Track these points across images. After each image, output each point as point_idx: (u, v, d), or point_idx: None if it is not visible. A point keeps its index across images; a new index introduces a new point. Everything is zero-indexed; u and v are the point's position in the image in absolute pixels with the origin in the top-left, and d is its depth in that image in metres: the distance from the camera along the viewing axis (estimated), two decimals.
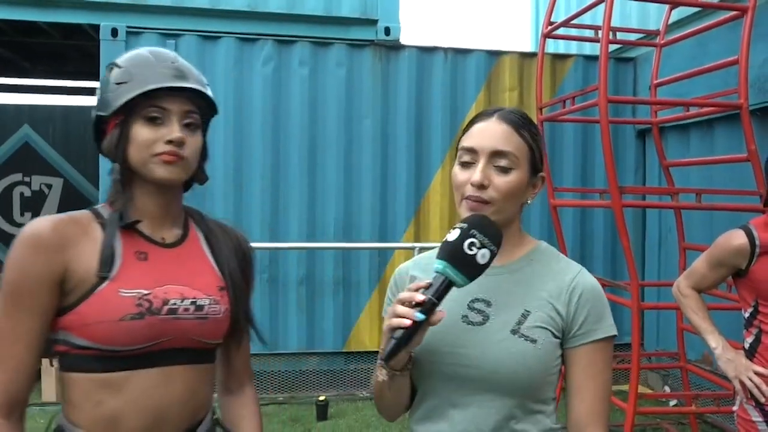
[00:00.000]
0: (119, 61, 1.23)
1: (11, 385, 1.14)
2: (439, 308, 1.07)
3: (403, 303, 1.05)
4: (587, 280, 1.19)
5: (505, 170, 1.15)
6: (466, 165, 1.17)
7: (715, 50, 4.19)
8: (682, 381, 4.19)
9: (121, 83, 1.18)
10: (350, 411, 4.73)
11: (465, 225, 1.08)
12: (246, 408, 1.39)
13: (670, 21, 4.48)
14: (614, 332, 1.18)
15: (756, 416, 2.02)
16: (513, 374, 1.12)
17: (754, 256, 2.04)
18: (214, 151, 4.83)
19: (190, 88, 1.20)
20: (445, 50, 5.31)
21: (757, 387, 1.99)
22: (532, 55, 5.57)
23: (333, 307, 5.13)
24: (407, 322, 1.03)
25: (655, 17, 5.00)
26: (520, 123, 1.18)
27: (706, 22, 3.92)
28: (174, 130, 1.18)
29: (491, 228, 1.08)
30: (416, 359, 1.18)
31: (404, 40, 5.29)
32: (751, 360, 2.07)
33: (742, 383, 2.03)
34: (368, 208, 5.19)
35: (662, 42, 4.27)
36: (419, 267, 1.29)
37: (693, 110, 3.96)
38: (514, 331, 1.14)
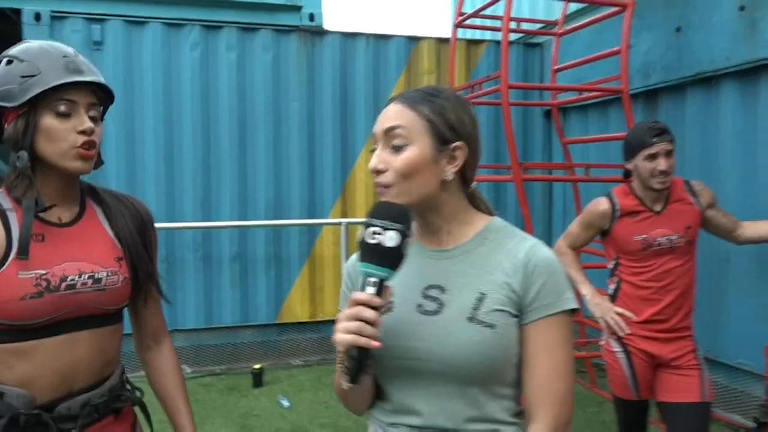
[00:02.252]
0: (17, 53, 1.27)
1: None
2: (391, 301, 1.10)
3: (368, 322, 0.99)
4: (540, 253, 1.12)
5: (398, 148, 1.10)
6: (373, 153, 1.15)
7: (609, 38, 4.67)
8: (579, 334, 4.74)
9: (27, 76, 1.23)
10: (284, 378, 5.03)
11: (401, 226, 1.02)
12: (166, 363, 1.51)
13: (569, 11, 4.95)
14: (570, 306, 1.11)
15: (616, 347, 2.48)
16: (474, 364, 1.08)
17: (615, 218, 2.48)
18: (146, 135, 5.01)
19: (92, 81, 1.29)
20: (367, 36, 5.60)
21: (617, 324, 2.44)
22: (448, 40, 5.93)
23: (265, 282, 5.39)
24: (375, 344, 0.99)
25: (560, 6, 5.46)
26: (418, 98, 1.13)
27: (600, 14, 4.39)
28: (84, 121, 1.26)
29: (390, 209, 1.03)
30: (375, 356, 1.11)
31: (328, 26, 5.55)
32: (613, 303, 2.52)
33: (606, 322, 2.48)
34: (296, 187, 5.45)
35: (560, 31, 4.73)
36: None
37: (586, 93, 4.43)
38: (470, 318, 1.08)
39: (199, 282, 5.20)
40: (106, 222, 1.39)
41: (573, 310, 1.12)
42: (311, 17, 5.45)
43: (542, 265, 1.11)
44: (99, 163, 1.37)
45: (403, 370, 1.12)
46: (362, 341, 0.98)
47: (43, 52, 1.27)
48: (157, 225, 1.53)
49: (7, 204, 1.28)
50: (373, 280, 1.01)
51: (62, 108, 1.25)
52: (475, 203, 1.22)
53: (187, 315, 5.18)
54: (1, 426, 1.23)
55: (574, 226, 2.64)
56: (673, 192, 2.48)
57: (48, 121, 1.25)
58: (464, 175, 1.16)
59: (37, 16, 4.78)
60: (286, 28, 5.40)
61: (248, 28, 5.30)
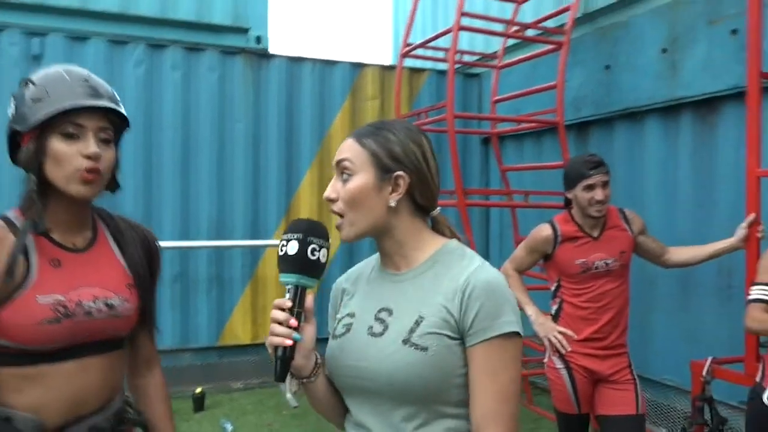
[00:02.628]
0: (34, 78, 1.29)
1: None
2: (348, 323, 1.21)
3: (278, 322, 1.10)
4: (481, 276, 1.14)
5: (345, 179, 1.19)
6: None
7: (544, 72, 4.97)
8: None
9: (37, 100, 1.24)
10: (226, 401, 4.97)
11: (299, 235, 1.11)
12: (156, 391, 1.52)
13: (508, 44, 5.23)
14: (508, 329, 1.11)
15: (559, 364, 2.64)
16: (407, 385, 1.12)
17: (557, 243, 2.66)
18: None
19: (104, 106, 1.28)
20: (313, 61, 5.70)
21: (560, 342, 2.60)
22: (392, 67, 6.13)
23: (207, 303, 5.33)
24: (288, 342, 1.08)
25: (498, 39, 5.74)
26: (365, 132, 1.22)
27: (536, 49, 4.68)
28: (90, 145, 1.25)
29: (296, 223, 1.14)
30: (330, 371, 1.22)
31: (274, 50, 5.61)
32: (556, 323, 2.69)
33: (549, 340, 2.64)
34: (240, 207, 5.44)
35: (500, 65, 5.00)
36: (350, 280, 1.32)
37: (524, 124, 4.69)
38: (405, 341, 1.13)
39: None
40: (117, 248, 1.40)
41: (515, 333, 1.12)
42: (258, 40, 5.52)
43: (480, 288, 1.12)
44: (114, 186, 1.39)
45: (354, 388, 1.19)
46: (276, 340, 1.09)
47: (57, 76, 1.28)
48: None
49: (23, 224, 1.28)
50: (288, 287, 1.12)
51: (69, 130, 1.25)
52: (439, 227, 1.27)
53: None
54: None
55: (520, 251, 2.80)
56: (609, 219, 2.69)
57: (55, 144, 1.25)
58: (416, 202, 1.21)
59: None
60: (233, 49, 5.43)
61: (194, 48, 5.30)
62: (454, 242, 1.24)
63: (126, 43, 5.09)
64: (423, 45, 4.64)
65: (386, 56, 8.98)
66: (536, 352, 4.70)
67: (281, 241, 1.14)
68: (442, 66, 6.15)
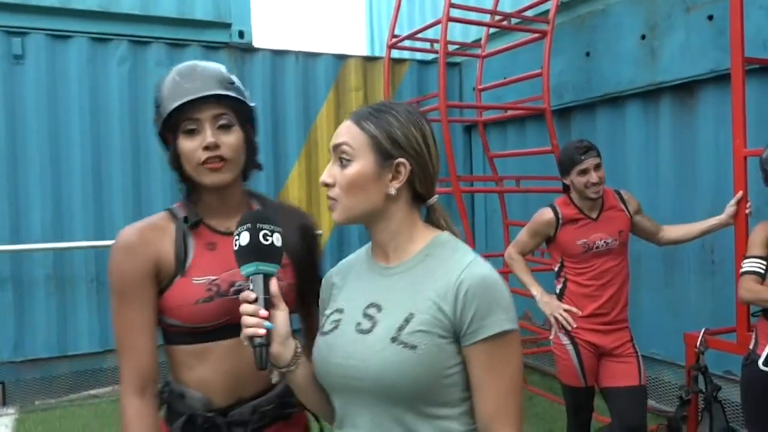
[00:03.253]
0: (159, 85, 1.39)
1: (141, 370, 1.32)
2: (336, 319, 1.18)
3: (248, 313, 1.10)
4: (475, 272, 1.10)
5: (344, 163, 1.14)
6: None
7: (524, 61, 5.11)
8: None
9: (158, 107, 1.36)
10: None
11: (247, 225, 1.14)
12: None
13: (490, 33, 5.35)
14: (505, 327, 1.08)
15: (565, 340, 2.78)
16: (395, 384, 1.08)
17: (558, 226, 2.79)
18: (72, 151, 4.84)
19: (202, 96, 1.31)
20: (296, 53, 5.73)
21: (566, 319, 2.74)
22: (373, 58, 6.21)
23: None
24: (261, 332, 1.08)
25: (475, 29, 5.84)
26: (364, 114, 1.16)
27: (518, 37, 4.80)
28: (207, 137, 1.31)
29: (265, 215, 1.16)
30: (317, 368, 1.19)
31: (257, 43, 5.61)
32: (561, 301, 2.83)
33: (555, 318, 2.77)
34: None
35: (483, 54, 5.11)
36: (341, 273, 1.29)
37: (510, 111, 4.81)
38: (393, 339, 1.09)
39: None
40: None
41: (511, 331, 1.09)
42: (241, 34, 5.51)
43: (476, 286, 1.08)
44: (256, 165, 1.48)
45: (340, 386, 1.15)
46: (249, 331, 1.09)
47: (169, 80, 1.36)
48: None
49: (182, 215, 1.40)
50: (250, 278, 1.13)
51: (188, 127, 1.33)
52: (435, 217, 1.22)
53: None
54: (180, 423, 1.32)
55: (523, 235, 2.92)
56: (606, 200, 2.83)
57: (181, 142, 1.34)
58: (416, 191, 1.17)
59: None
60: (216, 44, 5.43)
61: (177, 44, 5.28)
62: (446, 234, 1.20)
63: (109, 41, 5.05)
64: (412, 36, 4.72)
65: (362, 47, 9.02)
66: (527, 331, 4.88)
67: (234, 237, 1.15)
68: (420, 56, 6.26)
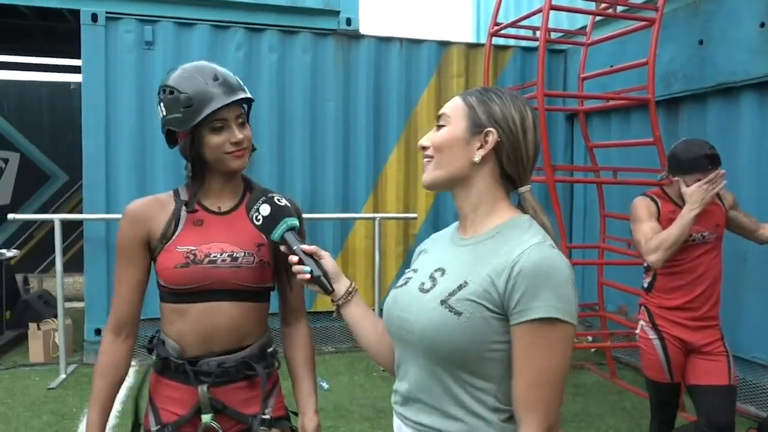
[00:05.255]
0: (176, 85, 1.53)
1: (120, 315, 1.62)
2: (408, 276, 1.31)
3: (294, 263, 1.38)
4: (534, 255, 1.11)
5: (439, 128, 1.25)
6: None
7: (632, 49, 4.96)
8: (601, 328, 5.03)
9: (188, 107, 1.51)
10: (319, 363, 5.22)
11: (262, 198, 1.44)
12: (300, 338, 1.71)
13: (596, 20, 5.23)
14: (550, 314, 1.07)
15: (652, 334, 2.76)
16: (434, 343, 1.15)
17: (659, 214, 2.73)
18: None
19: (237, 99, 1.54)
20: (401, 40, 5.88)
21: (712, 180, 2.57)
22: (476, 45, 6.24)
23: None
24: (306, 276, 1.35)
25: (582, 16, 5.72)
26: (472, 92, 1.26)
27: (624, 25, 4.67)
28: (235, 134, 1.54)
29: (265, 189, 1.55)
30: (383, 320, 1.32)
31: (363, 30, 5.81)
32: (649, 294, 2.81)
33: (644, 307, 2.75)
34: (331, 182, 5.73)
35: (588, 42, 5.01)
36: (432, 241, 1.40)
37: (612, 101, 4.71)
38: (443, 302, 1.15)
39: None
40: None
41: (558, 319, 1.07)
42: (348, 21, 5.72)
43: (528, 269, 1.09)
44: (252, 151, 1.65)
45: (397, 337, 1.27)
46: (299, 277, 1.36)
47: (194, 82, 1.53)
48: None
49: (185, 197, 1.63)
50: (284, 237, 1.41)
51: (216, 125, 1.54)
52: (524, 206, 1.24)
53: None
54: (159, 361, 1.61)
55: (639, 230, 2.72)
56: None
57: (208, 137, 1.54)
58: (503, 169, 1.21)
59: (94, 17, 5.07)
60: (325, 31, 5.67)
61: (289, 31, 5.58)
62: (525, 217, 1.22)
63: (227, 28, 5.43)
64: (514, 24, 4.73)
65: (467, 34, 9.01)
66: (621, 326, 4.80)
67: (252, 216, 1.44)
68: (524, 43, 6.21)
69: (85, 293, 5.33)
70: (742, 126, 4.29)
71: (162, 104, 1.58)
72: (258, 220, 1.43)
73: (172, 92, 1.55)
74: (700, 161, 2.61)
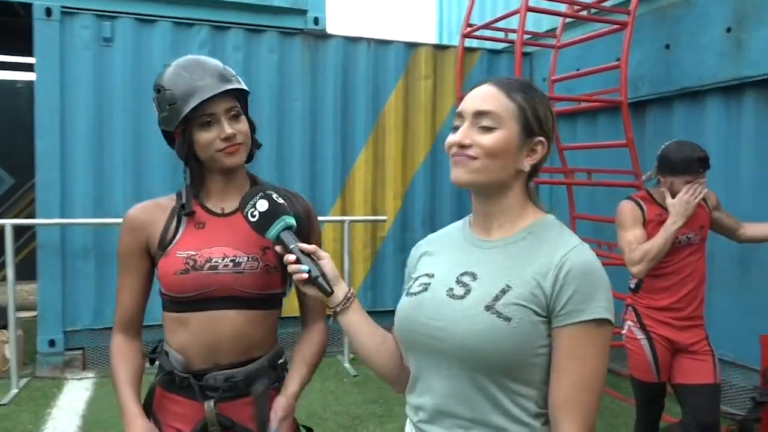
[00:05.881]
0: (163, 81, 1.47)
1: (123, 318, 1.57)
2: (426, 282, 1.23)
3: (290, 262, 1.28)
4: (580, 257, 1.09)
5: (487, 129, 1.13)
6: (455, 130, 1.18)
7: (599, 52, 5.03)
8: None
9: (173, 104, 1.44)
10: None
11: (257, 195, 1.35)
12: (310, 336, 1.61)
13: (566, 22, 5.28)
14: (604, 315, 1.07)
15: (639, 334, 2.76)
16: (481, 351, 1.07)
17: (644, 219, 2.73)
18: (152, 131, 5.03)
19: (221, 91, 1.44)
20: (368, 41, 5.80)
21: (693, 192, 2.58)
22: (444, 47, 6.21)
23: None
24: (304, 275, 1.26)
25: (547, 19, 5.76)
26: (512, 86, 1.16)
27: (593, 28, 4.72)
28: (224, 129, 1.44)
29: (264, 186, 1.43)
30: (398, 328, 1.23)
31: (331, 30, 5.71)
32: (636, 295, 2.81)
33: (632, 307, 2.74)
34: (298, 184, 5.58)
35: (558, 45, 5.04)
36: (433, 243, 1.33)
37: (584, 103, 4.75)
38: (488, 307, 1.09)
39: None
40: None
41: (607, 321, 1.07)
42: (315, 21, 5.61)
43: (577, 269, 1.07)
44: (256, 146, 1.59)
45: (423, 347, 1.16)
46: (296, 277, 1.27)
47: (179, 78, 1.45)
48: None
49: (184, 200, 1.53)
50: (279, 236, 1.32)
51: (204, 120, 1.45)
52: (533, 200, 1.23)
53: None
54: (164, 376, 1.51)
55: (624, 237, 2.72)
56: None
57: (198, 134, 1.46)
58: (534, 171, 1.19)
59: (48, 12, 4.81)
60: (291, 30, 5.55)
61: (255, 30, 5.43)
62: (552, 217, 1.21)
63: (191, 26, 5.24)
64: (487, 26, 4.72)
65: (431, 35, 9.01)
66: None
67: (247, 212, 1.34)
68: (490, 45, 6.22)
69: (38, 302, 5.04)
70: (708, 129, 4.38)
71: (155, 103, 1.51)
72: (253, 217, 1.34)
73: (160, 90, 1.48)
74: (691, 164, 2.62)
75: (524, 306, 1.08)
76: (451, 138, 1.17)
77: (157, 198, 1.58)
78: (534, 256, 1.12)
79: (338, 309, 1.29)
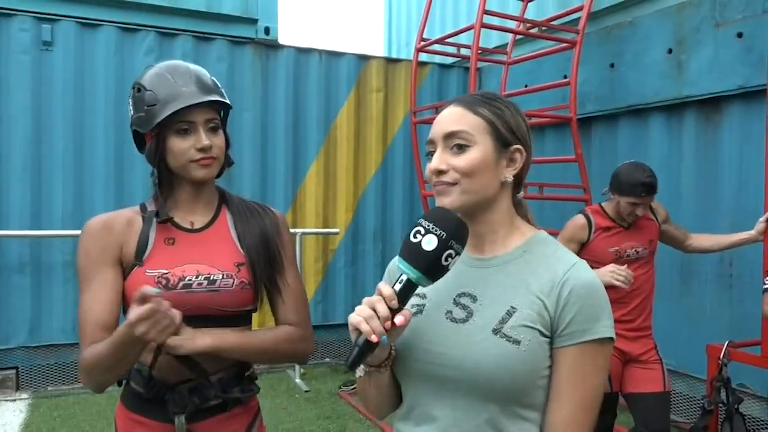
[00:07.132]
0: (144, 81, 1.42)
1: (94, 334, 1.34)
2: (419, 303, 1.12)
3: (377, 314, 0.98)
4: (582, 275, 1.07)
5: (461, 148, 1.10)
6: (429, 156, 1.14)
7: (547, 69, 5.16)
8: None
9: (151, 105, 1.38)
10: None
11: (442, 233, 1.00)
12: (270, 326, 1.50)
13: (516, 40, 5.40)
14: (608, 335, 1.05)
15: None
16: (493, 377, 1.03)
17: (592, 232, 2.82)
18: (96, 139, 4.86)
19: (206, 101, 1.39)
20: (320, 52, 5.77)
21: (622, 274, 2.59)
22: (395, 60, 6.25)
23: None
24: (374, 338, 0.97)
25: (497, 35, 5.87)
26: (476, 101, 1.13)
27: (542, 45, 4.84)
28: (201, 139, 1.39)
29: (443, 214, 1.04)
30: (397, 354, 1.13)
31: (282, 40, 5.65)
32: None
33: (614, 278, 2.77)
34: (248, 195, 5.38)
35: (509, 61, 5.14)
36: None
37: (534, 119, 4.85)
38: (495, 331, 1.04)
39: None
40: (234, 230, 1.49)
41: (610, 339, 1.06)
42: (267, 30, 5.54)
43: (581, 287, 1.05)
44: (228, 162, 1.51)
45: (424, 374, 1.10)
46: (364, 328, 0.97)
47: (163, 80, 1.41)
48: None
49: (153, 208, 1.47)
50: (403, 277, 1.01)
51: (182, 128, 1.40)
52: (522, 213, 1.19)
53: None
54: (128, 395, 1.44)
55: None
56: None
57: (172, 141, 1.40)
58: (518, 181, 1.15)
59: None
60: (242, 39, 5.46)
61: (204, 38, 5.32)
62: (544, 233, 1.18)
63: (137, 31, 5.08)
64: (441, 41, 4.77)
65: (379, 48, 9.05)
66: None
67: (418, 224, 1.02)
68: (439, 59, 6.27)
69: None
70: (651, 145, 4.55)
71: (130, 102, 1.45)
72: (414, 237, 1.02)
73: (139, 90, 1.42)
74: (636, 187, 2.71)
75: (531, 327, 1.04)
76: (429, 165, 1.13)
77: (115, 211, 1.49)
78: (534, 274, 1.09)
79: (383, 366, 1.10)
